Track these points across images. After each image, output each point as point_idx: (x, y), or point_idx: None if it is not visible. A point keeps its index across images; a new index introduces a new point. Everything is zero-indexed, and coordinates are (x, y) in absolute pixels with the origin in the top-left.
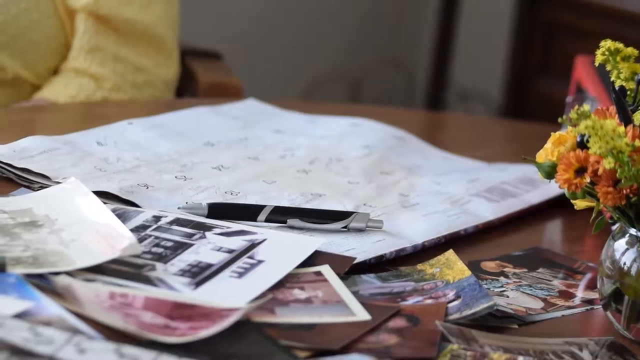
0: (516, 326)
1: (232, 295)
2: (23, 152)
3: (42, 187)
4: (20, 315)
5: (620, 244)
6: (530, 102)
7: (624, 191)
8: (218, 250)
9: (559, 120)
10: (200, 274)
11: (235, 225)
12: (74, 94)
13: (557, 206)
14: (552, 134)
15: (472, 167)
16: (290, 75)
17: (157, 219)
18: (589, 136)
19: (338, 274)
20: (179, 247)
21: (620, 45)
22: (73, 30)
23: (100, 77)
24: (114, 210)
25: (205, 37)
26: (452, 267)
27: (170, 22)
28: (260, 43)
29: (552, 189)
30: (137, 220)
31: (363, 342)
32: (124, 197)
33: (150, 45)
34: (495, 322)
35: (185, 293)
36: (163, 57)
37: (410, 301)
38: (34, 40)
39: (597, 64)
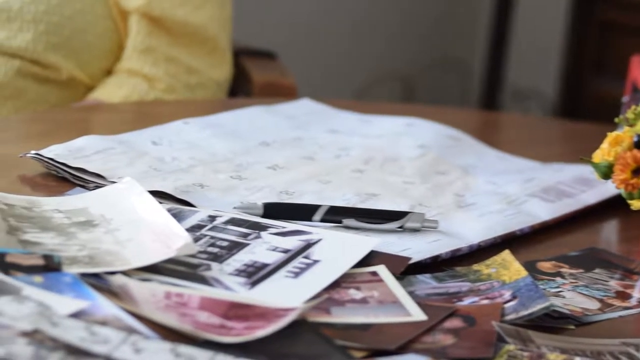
0: (573, 327)
1: (287, 295)
2: (78, 151)
3: (98, 186)
4: (76, 315)
5: None
6: (585, 102)
7: None
8: (273, 250)
9: (616, 120)
10: (255, 273)
11: (290, 225)
12: (127, 95)
13: (613, 206)
14: (609, 134)
15: (528, 167)
16: (343, 74)
17: (212, 218)
18: None
19: (394, 274)
20: (235, 247)
21: None
22: (126, 31)
23: (153, 78)
24: (169, 210)
25: (260, 37)
26: (508, 267)
27: (223, 23)
28: (314, 42)
29: (608, 189)
30: (192, 220)
31: (419, 342)
32: (179, 196)
33: (203, 46)
34: (552, 322)
35: (241, 293)
36: (216, 58)
37: (466, 301)
38: (88, 42)
39: None
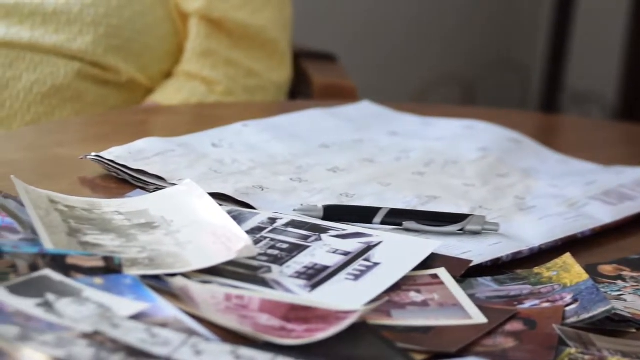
0: (634, 330)
1: (348, 297)
2: (138, 153)
3: (158, 188)
4: (137, 317)
5: None
6: None
7: None
8: (334, 252)
9: None
10: (316, 276)
11: (350, 228)
12: (186, 97)
13: None
14: None
15: (589, 170)
16: (402, 76)
17: (272, 220)
18: None
19: (454, 277)
20: (295, 249)
21: None
22: (186, 34)
23: (212, 81)
24: (229, 212)
25: (320, 38)
26: (569, 270)
27: (283, 26)
28: (373, 44)
29: None
30: (252, 222)
31: (479, 345)
32: (239, 198)
33: (263, 49)
34: (613, 326)
35: (301, 295)
36: (275, 61)
37: (527, 304)
38: (148, 44)
39: None
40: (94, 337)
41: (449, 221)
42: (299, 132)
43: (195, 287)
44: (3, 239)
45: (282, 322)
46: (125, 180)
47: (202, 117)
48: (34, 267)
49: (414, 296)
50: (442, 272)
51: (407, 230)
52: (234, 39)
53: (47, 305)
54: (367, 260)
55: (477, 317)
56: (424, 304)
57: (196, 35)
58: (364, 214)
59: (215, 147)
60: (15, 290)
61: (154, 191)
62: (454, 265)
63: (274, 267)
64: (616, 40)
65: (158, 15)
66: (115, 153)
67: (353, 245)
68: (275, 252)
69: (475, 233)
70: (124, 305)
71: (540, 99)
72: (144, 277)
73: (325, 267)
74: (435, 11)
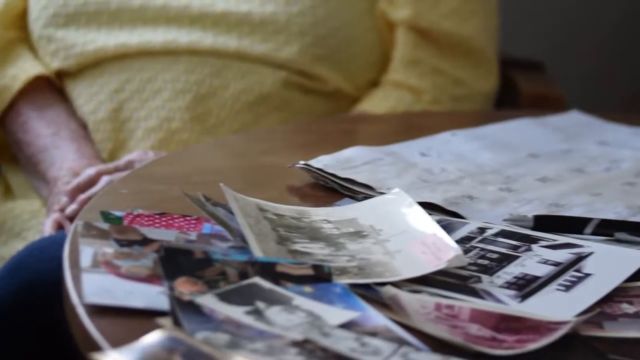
0: None
1: (559, 308)
2: (347, 162)
3: (366, 197)
4: (347, 325)
5: None
6: None
7: None
8: (544, 262)
9: None
10: (526, 286)
11: (561, 238)
12: (393, 106)
13: None
14: None
15: None
16: (610, 84)
17: (482, 230)
18: None
19: None
20: (505, 259)
21: None
22: (392, 43)
23: (419, 90)
24: (438, 221)
25: (527, 46)
26: None
27: (490, 34)
28: (579, 51)
29: None
30: (462, 232)
31: None
32: (448, 208)
33: (470, 58)
34: None
35: (511, 305)
36: (482, 70)
37: None
38: (354, 53)
39: None
40: (304, 346)
41: None
42: (508, 141)
43: (405, 296)
44: (213, 247)
45: (493, 332)
46: (333, 189)
47: (409, 126)
48: (243, 275)
49: (626, 307)
50: None
51: (619, 241)
52: (441, 48)
53: (257, 313)
54: (578, 271)
55: None
56: (636, 315)
57: (403, 44)
58: (574, 225)
59: (423, 156)
60: (225, 297)
61: (362, 200)
62: None
63: (484, 277)
64: None
65: (364, 25)
66: (323, 161)
67: (564, 255)
68: (485, 261)
69: None
70: (334, 314)
71: None
72: (353, 286)
73: (536, 278)
74: None
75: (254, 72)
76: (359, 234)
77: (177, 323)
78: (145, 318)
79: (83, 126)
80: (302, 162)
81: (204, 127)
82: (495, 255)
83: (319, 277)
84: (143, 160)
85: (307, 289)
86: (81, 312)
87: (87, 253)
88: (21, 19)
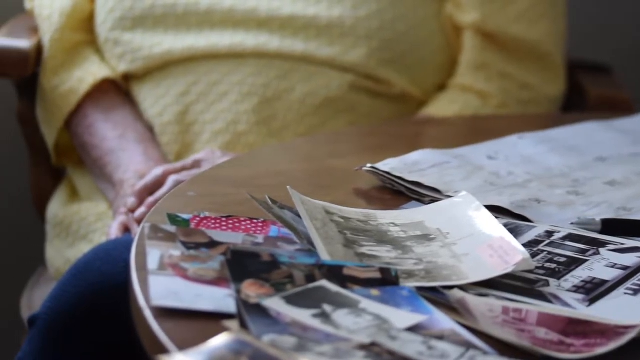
0: None
1: (627, 312)
2: (414, 165)
3: (433, 200)
4: (414, 329)
5: None
6: None
7: None
8: (612, 266)
9: None
10: (594, 290)
11: (629, 242)
12: (460, 110)
13: None
14: None
15: None
16: None
17: (549, 234)
18: None
19: None
20: (572, 263)
21: None
22: (459, 47)
23: (486, 94)
24: (505, 225)
25: (594, 50)
26: None
27: (558, 38)
28: None
29: None
30: (529, 235)
31: None
32: (515, 211)
33: (537, 62)
34: None
35: (579, 309)
36: (549, 74)
37: None
38: (422, 57)
39: None
40: (371, 349)
41: None
42: (575, 144)
43: (472, 300)
44: (280, 250)
45: (561, 336)
46: (400, 192)
47: (476, 129)
48: (310, 278)
49: None
50: None
51: None
52: (508, 52)
53: (324, 316)
54: None
55: None
56: None
57: (471, 48)
58: None
59: (490, 160)
60: (292, 300)
61: (429, 203)
62: None
63: (552, 280)
64: None
65: (431, 29)
66: (390, 164)
67: (632, 259)
68: (553, 265)
69: None
70: (401, 317)
71: None
72: (421, 289)
73: (604, 282)
74: None
75: (320, 75)
76: (426, 237)
77: (243, 326)
78: (212, 321)
79: (149, 129)
80: (369, 165)
81: (269, 130)
82: (562, 259)
83: (386, 281)
84: (210, 159)
85: (374, 292)
86: (148, 314)
87: (154, 255)
88: (88, 22)
